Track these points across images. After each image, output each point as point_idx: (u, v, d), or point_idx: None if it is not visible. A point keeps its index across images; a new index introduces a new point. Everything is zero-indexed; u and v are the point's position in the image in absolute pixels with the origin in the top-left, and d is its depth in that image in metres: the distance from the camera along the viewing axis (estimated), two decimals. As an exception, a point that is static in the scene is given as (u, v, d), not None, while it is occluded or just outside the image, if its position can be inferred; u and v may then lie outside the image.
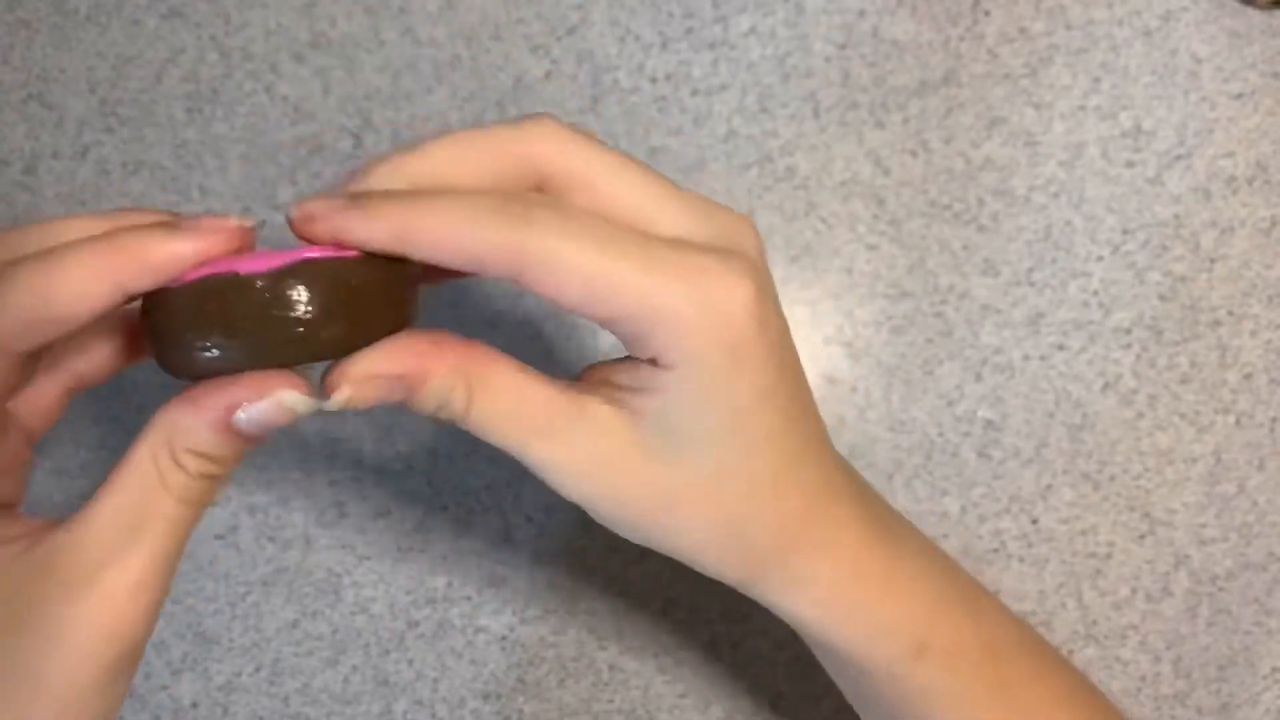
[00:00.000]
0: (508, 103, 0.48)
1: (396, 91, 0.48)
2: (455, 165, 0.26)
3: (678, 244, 0.26)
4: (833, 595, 0.32)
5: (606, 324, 0.26)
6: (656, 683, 0.49)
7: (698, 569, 0.31)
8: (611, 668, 0.49)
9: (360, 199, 0.26)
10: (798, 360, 0.31)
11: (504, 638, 0.49)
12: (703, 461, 0.28)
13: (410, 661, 0.49)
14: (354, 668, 0.49)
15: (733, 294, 0.26)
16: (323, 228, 0.26)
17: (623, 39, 0.48)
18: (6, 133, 0.49)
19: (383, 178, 0.27)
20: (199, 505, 0.28)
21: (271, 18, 0.48)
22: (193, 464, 0.26)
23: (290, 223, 0.28)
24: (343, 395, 0.27)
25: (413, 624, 0.49)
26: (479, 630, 0.49)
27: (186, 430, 0.26)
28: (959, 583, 0.39)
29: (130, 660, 0.27)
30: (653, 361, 0.27)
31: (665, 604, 0.48)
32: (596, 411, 0.28)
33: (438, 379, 0.27)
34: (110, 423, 0.49)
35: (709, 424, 0.27)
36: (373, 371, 0.26)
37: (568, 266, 0.25)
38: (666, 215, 0.27)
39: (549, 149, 0.26)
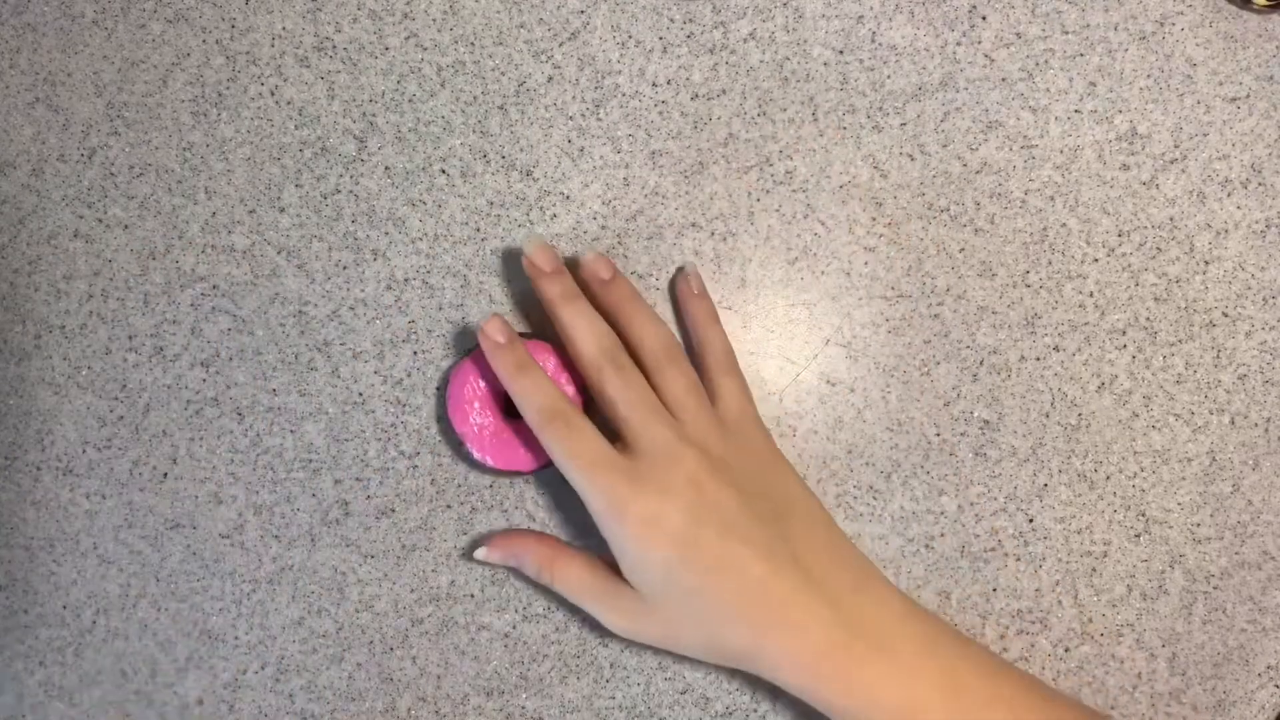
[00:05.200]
0: (510, 107, 0.48)
1: (400, 96, 0.49)
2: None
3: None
4: (801, 689, 0.42)
5: None
6: (657, 679, 0.49)
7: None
8: (613, 665, 0.49)
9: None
10: (721, 524, 0.43)
11: (507, 635, 0.49)
12: (662, 613, 0.43)
13: (414, 659, 0.49)
14: (358, 665, 0.49)
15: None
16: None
17: (624, 44, 0.48)
18: (13, 135, 0.49)
19: None
20: None
21: (277, 22, 0.49)
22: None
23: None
24: (483, 553, 0.47)
25: (416, 621, 0.49)
26: (482, 628, 0.49)
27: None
28: (948, 684, 0.42)
29: None
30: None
31: (666, 602, 0.49)
32: (622, 588, 0.44)
33: (531, 561, 0.46)
34: (117, 424, 0.49)
35: (644, 592, 0.43)
36: (500, 545, 0.47)
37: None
38: None
39: None
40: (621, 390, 0.44)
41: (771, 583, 0.42)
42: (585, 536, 0.49)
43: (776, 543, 0.43)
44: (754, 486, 0.44)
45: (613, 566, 0.45)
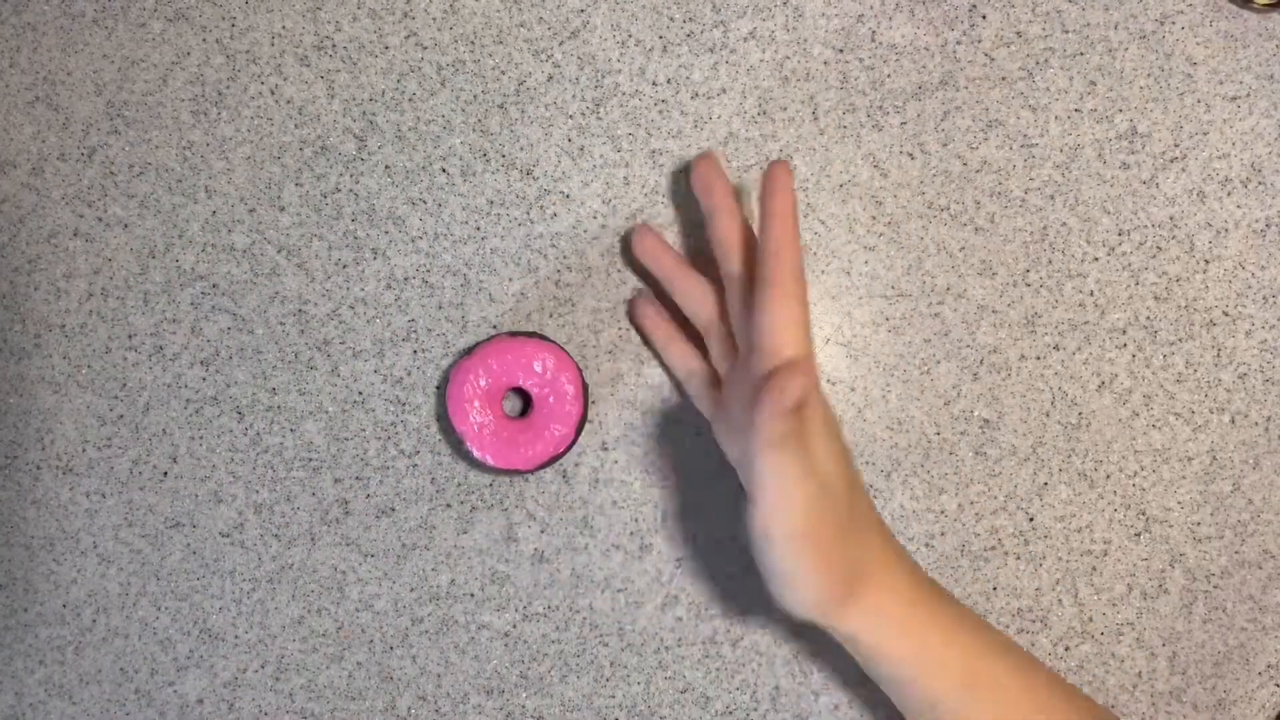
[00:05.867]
0: (510, 106, 0.49)
1: (400, 94, 0.49)
2: None
3: None
4: (898, 627, 0.41)
5: None
6: (658, 678, 0.49)
7: (791, 603, 0.41)
8: (613, 664, 0.49)
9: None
10: (838, 452, 0.42)
11: (506, 634, 0.49)
12: (799, 514, 0.40)
13: (414, 658, 0.49)
14: (358, 664, 0.49)
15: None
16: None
17: (624, 43, 0.49)
18: (13, 134, 0.49)
19: None
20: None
21: (277, 21, 0.49)
22: None
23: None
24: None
25: (416, 620, 0.49)
26: (482, 627, 0.49)
27: None
28: (994, 635, 0.43)
29: None
30: None
31: (666, 601, 0.49)
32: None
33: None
34: (117, 422, 0.49)
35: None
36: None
37: None
38: None
39: None
40: (796, 309, 0.42)
41: (879, 524, 0.43)
42: (586, 532, 0.49)
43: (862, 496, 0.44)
44: None
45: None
